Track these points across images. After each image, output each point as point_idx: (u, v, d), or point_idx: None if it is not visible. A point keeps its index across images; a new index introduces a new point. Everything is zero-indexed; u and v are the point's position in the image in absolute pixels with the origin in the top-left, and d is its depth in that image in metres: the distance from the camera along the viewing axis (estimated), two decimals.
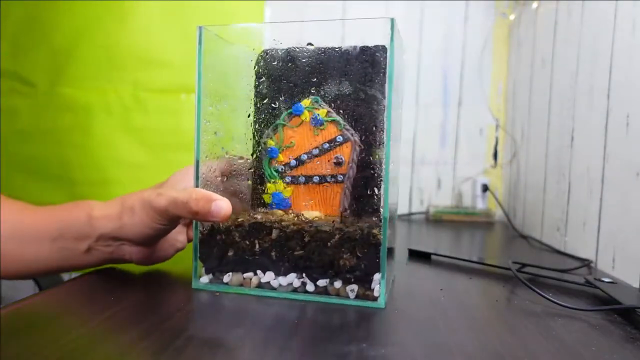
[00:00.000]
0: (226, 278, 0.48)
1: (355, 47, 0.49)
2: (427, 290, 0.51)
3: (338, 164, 0.50)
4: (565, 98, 0.83)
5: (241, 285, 0.48)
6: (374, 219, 0.48)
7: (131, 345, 0.34)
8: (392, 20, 0.44)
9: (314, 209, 0.51)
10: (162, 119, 1.13)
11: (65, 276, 0.92)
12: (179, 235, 0.54)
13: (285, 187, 0.51)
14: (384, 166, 0.47)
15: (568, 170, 0.80)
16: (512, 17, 1.17)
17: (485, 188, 1.15)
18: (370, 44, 0.49)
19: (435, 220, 1.12)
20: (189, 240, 0.56)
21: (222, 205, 0.44)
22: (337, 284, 0.46)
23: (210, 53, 0.50)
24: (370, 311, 0.43)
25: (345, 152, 0.50)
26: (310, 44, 0.50)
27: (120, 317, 0.39)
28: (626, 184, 0.61)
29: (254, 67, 0.52)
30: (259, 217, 0.49)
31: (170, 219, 0.47)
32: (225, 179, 0.52)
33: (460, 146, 1.21)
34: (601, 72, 0.69)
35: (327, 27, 0.55)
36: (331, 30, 0.51)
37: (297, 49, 0.50)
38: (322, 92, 0.50)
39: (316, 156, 0.51)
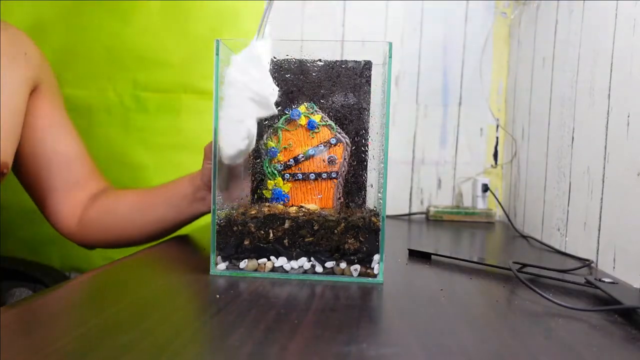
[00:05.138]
0: (242, 264, 0.53)
1: (346, 62, 0.58)
2: (427, 290, 0.51)
3: (332, 162, 0.57)
4: (565, 98, 0.82)
5: (256, 270, 0.53)
6: (368, 207, 0.57)
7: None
8: (390, 44, 0.52)
9: (311, 202, 0.57)
10: (162, 119, 1.13)
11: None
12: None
13: (284, 183, 0.57)
14: (374, 164, 0.56)
15: (568, 170, 0.80)
16: (512, 16, 1.17)
17: (485, 188, 1.15)
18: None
19: (436, 220, 1.12)
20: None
21: None
22: (343, 264, 0.53)
23: (223, 63, 0.54)
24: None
25: (338, 152, 0.57)
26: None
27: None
28: (627, 184, 0.61)
29: None
30: (272, 210, 0.55)
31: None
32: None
33: (461, 146, 1.21)
34: (602, 71, 0.69)
35: (327, 32, 0.61)
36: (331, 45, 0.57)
37: (294, 60, 0.58)
38: (317, 99, 0.58)
39: (312, 156, 0.57)
